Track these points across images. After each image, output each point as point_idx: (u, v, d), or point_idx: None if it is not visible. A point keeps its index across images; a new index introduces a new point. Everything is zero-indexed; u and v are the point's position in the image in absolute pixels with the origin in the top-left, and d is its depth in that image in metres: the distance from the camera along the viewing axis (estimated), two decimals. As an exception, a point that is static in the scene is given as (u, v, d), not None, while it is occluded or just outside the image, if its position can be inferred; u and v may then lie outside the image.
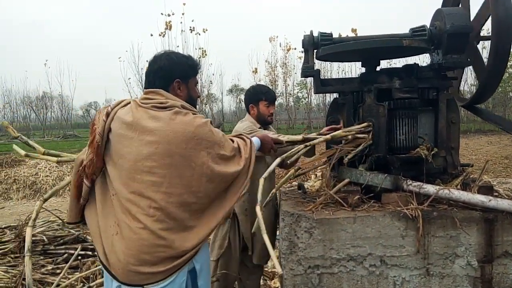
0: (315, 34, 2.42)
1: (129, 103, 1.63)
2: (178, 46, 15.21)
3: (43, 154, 1.82)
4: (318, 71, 2.39)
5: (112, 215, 1.54)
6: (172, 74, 1.67)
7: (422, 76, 2.32)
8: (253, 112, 2.85)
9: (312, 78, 2.46)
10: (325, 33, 2.41)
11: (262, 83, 22.81)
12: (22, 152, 1.88)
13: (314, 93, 2.53)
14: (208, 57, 17.14)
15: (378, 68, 2.45)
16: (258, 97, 2.84)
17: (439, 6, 2.56)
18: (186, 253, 1.54)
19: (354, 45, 2.22)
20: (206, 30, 17.35)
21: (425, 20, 2.44)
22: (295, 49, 21.60)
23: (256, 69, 21.30)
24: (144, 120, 1.54)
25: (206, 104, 19.77)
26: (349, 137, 2.19)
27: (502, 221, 1.90)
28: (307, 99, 22.24)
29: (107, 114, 1.58)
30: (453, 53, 2.24)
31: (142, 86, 18.98)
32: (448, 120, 2.34)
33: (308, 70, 2.39)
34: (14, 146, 1.95)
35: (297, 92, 23.59)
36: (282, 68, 22.34)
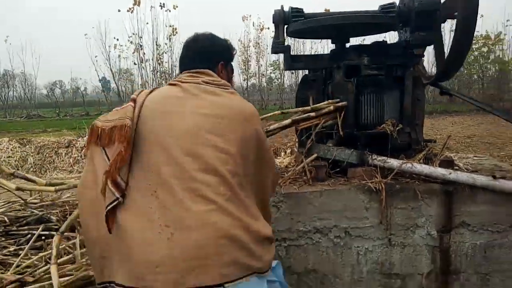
0: (286, 9, 2.40)
1: (155, 88, 1.46)
2: (147, 23, 14.77)
3: (45, 185, 1.67)
4: (289, 47, 2.39)
5: (153, 219, 1.19)
6: (217, 56, 1.54)
7: (390, 53, 2.36)
8: None
9: (283, 55, 2.45)
10: (296, 8, 2.40)
11: (234, 63, 22.71)
12: (12, 186, 1.69)
13: (284, 70, 2.55)
14: (179, 35, 16.75)
15: (348, 45, 2.47)
16: None
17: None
18: (271, 240, 1.30)
19: (324, 20, 2.23)
20: (177, 7, 16.85)
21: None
22: (268, 28, 21.36)
23: (231, 48, 20.97)
24: (198, 93, 1.37)
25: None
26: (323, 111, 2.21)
27: (461, 193, 1.99)
28: (280, 80, 22.22)
29: (134, 100, 1.35)
30: (421, 31, 2.28)
31: (109, 64, 18.40)
32: (414, 97, 2.40)
33: (278, 46, 2.38)
34: (1, 180, 1.74)
35: (270, 73, 23.49)
36: (255, 48, 22.12)
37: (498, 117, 2.70)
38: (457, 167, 2.23)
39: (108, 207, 1.21)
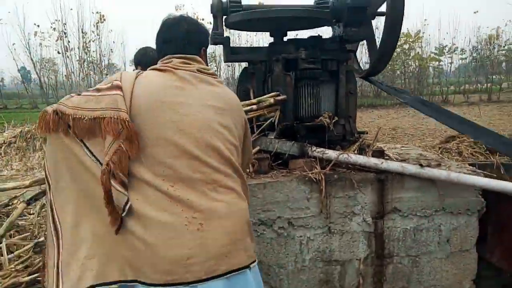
0: (224, 0, 2.37)
1: (139, 74, 1.33)
2: (71, 9, 13.77)
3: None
4: (228, 38, 2.36)
5: (176, 212, 1.18)
6: (201, 41, 1.46)
7: (325, 48, 2.43)
8: None
9: (221, 46, 2.42)
10: (234, 0, 2.37)
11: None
12: None
13: (224, 62, 2.51)
14: (107, 23, 15.84)
15: (285, 39, 2.50)
16: None
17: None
18: None
19: (263, 13, 2.23)
20: (105, -7, 15.97)
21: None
22: (203, 19, 21.04)
23: (161, 39, 20.35)
24: (196, 83, 1.31)
25: (107, 74, 18.46)
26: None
27: (392, 180, 2.12)
28: (216, 73, 22.03)
29: (119, 87, 1.23)
30: (353, 26, 2.38)
31: (29, 53, 16.91)
32: (347, 90, 2.50)
33: (217, 37, 2.34)
34: None
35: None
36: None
37: (418, 111, 2.95)
38: (387, 157, 2.36)
39: (126, 208, 1.17)
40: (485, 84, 22.54)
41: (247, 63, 2.50)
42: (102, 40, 15.61)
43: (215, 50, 21.36)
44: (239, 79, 2.51)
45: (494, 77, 21.85)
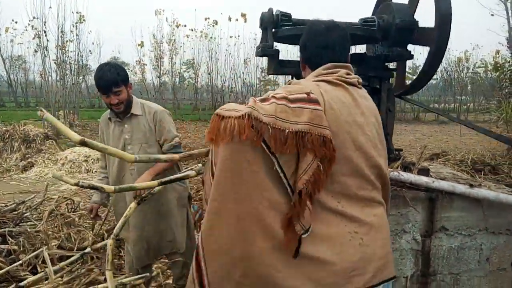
0: (275, 12, 2.35)
1: (321, 81, 1.29)
2: (50, 7, 13.29)
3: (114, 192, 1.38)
4: (278, 51, 2.34)
5: (341, 227, 1.20)
6: (349, 48, 1.45)
7: (370, 65, 2.46)
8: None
9: (265, 57, 2.40)
10: (285, 13, 2.36)
11: (146, 59, 21.61)
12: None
13: (269, 74, 2.47)
14: (87, 24, 15.44)
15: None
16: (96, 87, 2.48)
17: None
18: None
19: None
20: (86, -7, 15.58)
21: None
22: (185, 26, 20.93)
23: (142, 42, 20.05)
24: (358, 98, 1.30)
25: (83, 76, 17.92)
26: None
27: (441, 199, 2.16)
28: (194, 80, 21.87)
29: (317, 102, 1.17)
30: (399, 46, 2.43)
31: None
32: (387, 108, 2.54)
33: (267, 50, 2.31)
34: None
35: (184, 71, 23.03)
36: (169, 45, 21.47)
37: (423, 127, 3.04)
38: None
39: (310, 228, 1.15)
40: (453, 104, 23.68)
41: (291, 76, 2.49)
42: (81, 41, 15.19)
43: (194, 56, 21.23)
44: (283, 91, 2.48)
45: (462, 97, 22.98)
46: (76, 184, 1.25)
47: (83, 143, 1.09)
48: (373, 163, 1.26)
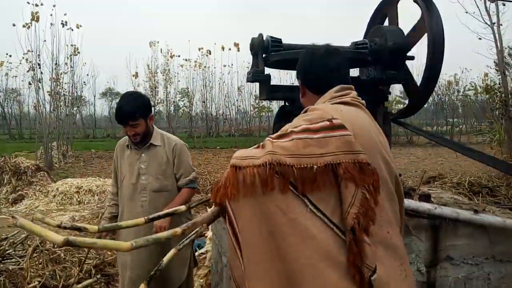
0: (265, 38, 2.31)
1: (338, 103, 1.24)
2: (45, 40, 13.38)
3: (98, 231, 1.22)
4: (269, 76, 2.28)
5: (394, 264, 1.10)
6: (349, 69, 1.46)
7: (364, 89, 2.39)
8: None
9: (257, 84, 2.34)
10: (276, 38, 2.32)
11: (141, 88, 21.74)
12: (60, 239, 1.10)
13: (260, 99, 2.40)
14: (81, 56, 15.53)
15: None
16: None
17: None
18: None
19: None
20: (80, 26, 15.74)
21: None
22: (179, 56, 21.22)
23: (136, 73, 20.23)
24: (371, 121, 1.28)
25: (78, 107, 17.92)
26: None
27: (445, 227, 2.05)
28: (188, 108, 21.95)
29: (344, 127, 1.09)
30: (392, 69, 2.38)
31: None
32: (384, 132, 2.46)
33: (258, 75, 2.26)
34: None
35: (178, 100, 23.15)
36: (163, 75, 21.69)
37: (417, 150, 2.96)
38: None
39: (375, 270, 1.03)
40: (445, 126, 23.88)
41: (283, 101, 2.43)
42: (76, 73, 15.26)
43: (188, 85, 21.33)
44: (276, 117, 2.42)
45: (454, 120, 23.19)
46: (59, 226, 1.17)
47: (68, 244, 0.97)
48: (397, 183, 1.21)
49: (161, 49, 21.12)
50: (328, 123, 1.08)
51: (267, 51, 2.30)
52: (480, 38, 8.28)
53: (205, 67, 21.24)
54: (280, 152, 1.03)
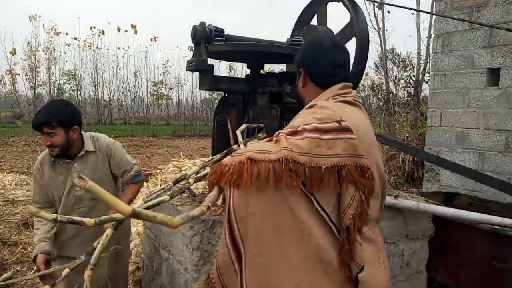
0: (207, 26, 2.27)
1: (341, 102, 1.24)
2: None
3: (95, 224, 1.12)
4: (212, 66, 2.25)
5: (375, 253, 1.16)
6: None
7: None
8: None
9: (197, 72, 2.30)
10: (219, 28, 2.29)
11: (19, 67, 19.18)
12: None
13: (201, 89, 2.36)
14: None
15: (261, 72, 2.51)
16: None
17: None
18: None
19: (255, 46, 2.22)
20: None
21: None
22: (66, 34, 19.22)
23: (14, 50, 17.74)
24: (369, 124, 1.27)
25: None
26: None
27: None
28: (76, 93, 20.11)
29: (350, 130, 1.10)
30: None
31: None
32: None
33: (202, 65, 2.21)
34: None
35: (64, 83, 21.00)
36: (46, 54, 19.44)
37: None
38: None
39: (363, 268, 1.11)
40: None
41: (223, 92, 2.43)
42: None
43: (75, 67, 19.50)
44: (216, 109, 2.40)
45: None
46: (55, 220, 1.07)
47: (135, 215, 0.87)
48: (383, 179, 1.26)
49: (43, 25, 18.87)
50: (337, 124, 1.12)
51: (210, 41, 2.26)
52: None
53: (97, 47, 19.65)
54: (294, 149, 1.05)
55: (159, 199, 1.27)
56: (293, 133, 1.12)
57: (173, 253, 2.07)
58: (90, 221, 1.08)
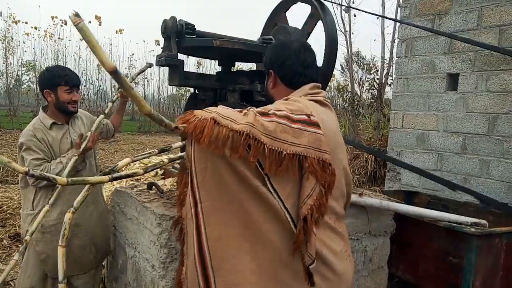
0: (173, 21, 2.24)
1: (312, 101, 1.26)
2: None
3: (67, 184, 1.18)
4: (183, 61, 2.23)
5: (341, 245, 1.24)
6: None
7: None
8: (51, 99, 2.34)
9: (166, 67, 2.27)
10: (189, 23, 2.27)
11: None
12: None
13: (170, 85, 2.33)
14: None
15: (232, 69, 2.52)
16: (56, 81, 2.34)
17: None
18: None
19: (227, 43, 2.21)
20: None
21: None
22: (26, 23, 18.32)
23: (-34, 37, 16.71)
24: (337, 124, 1.29)
25: None
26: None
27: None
28: (35, 84, 19.20)
29: (318, 125, 1.13)
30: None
31: None
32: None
33: (172, 60, 2.19)
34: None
35: (22, 74, 20.01)
36: (3, 43, 18.46)
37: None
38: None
39: (314, 261, 1.14)
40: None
41: (193, 89, 2.41)
42: None
43: (35, 57, 18.68)
44: (186, 105, 2.38)
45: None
46: (26, 173, 1.06)
47: (114, 73, 0.91)
48: (348, 181, 1.31)
49: (0, 12, 17.88)
50: (306, 117, 1.16)
51: (180, 36, 2.24)
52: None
53: (58, 38, 18.86)
54: (258, 128, 1.08)
55: (134, 171, 1.35)
56: (263, 113, 1.15)
57: (139, 250, 2.04)
58: (62, 179, 1.10)
